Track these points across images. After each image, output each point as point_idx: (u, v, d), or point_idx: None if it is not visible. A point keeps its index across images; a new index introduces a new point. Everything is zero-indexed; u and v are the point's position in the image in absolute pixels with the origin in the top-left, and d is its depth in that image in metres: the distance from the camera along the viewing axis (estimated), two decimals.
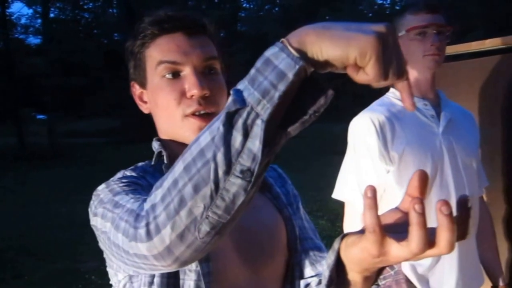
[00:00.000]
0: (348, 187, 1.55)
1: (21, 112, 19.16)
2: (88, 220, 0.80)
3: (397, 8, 31.25)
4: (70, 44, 22.09)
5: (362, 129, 1.50)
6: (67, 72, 21.46)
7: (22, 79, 19.17)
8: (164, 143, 0.92)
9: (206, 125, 0.59)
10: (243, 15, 28.75)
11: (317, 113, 0.54)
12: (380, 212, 0.54)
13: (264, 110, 0.51)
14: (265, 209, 0.94)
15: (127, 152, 14.44)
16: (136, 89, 0.96)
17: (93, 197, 0.82)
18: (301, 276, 0.94)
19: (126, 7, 20.35)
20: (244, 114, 0.52)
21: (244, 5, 29.82)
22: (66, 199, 8.52)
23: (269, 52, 0.52)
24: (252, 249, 0.88)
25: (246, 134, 0.52)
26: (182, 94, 0.85)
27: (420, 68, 1.52)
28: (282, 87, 0.51)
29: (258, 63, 0.53)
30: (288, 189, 1.03)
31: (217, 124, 0.54)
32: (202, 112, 0.85)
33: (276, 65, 0.51)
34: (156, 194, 0.60)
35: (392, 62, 0.51)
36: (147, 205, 0.62)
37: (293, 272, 0.93)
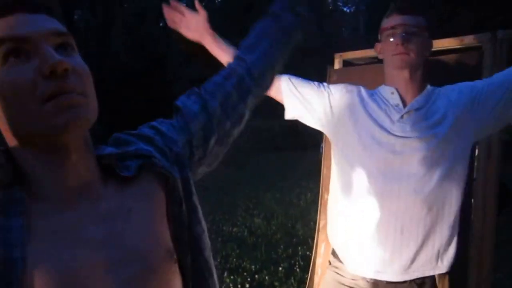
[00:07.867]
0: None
1: None
2: None
3: (339, 3, 31.65)
4: None
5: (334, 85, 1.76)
6: None
7: None
8: (14, 153, 0.71)
9: (74, 106, 0.63)
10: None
11: None
12: None
13: None
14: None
15: None
16: None
17: None
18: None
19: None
20: None
21: None
22: None
23: None
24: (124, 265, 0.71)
25: None
26: (36, 74, 0.66)
27: (392, 68, 1.62)
28: None
29: None
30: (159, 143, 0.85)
31: None
32: (69, 92, 0.66)
33: None
34: None
35: None
36: None
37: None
